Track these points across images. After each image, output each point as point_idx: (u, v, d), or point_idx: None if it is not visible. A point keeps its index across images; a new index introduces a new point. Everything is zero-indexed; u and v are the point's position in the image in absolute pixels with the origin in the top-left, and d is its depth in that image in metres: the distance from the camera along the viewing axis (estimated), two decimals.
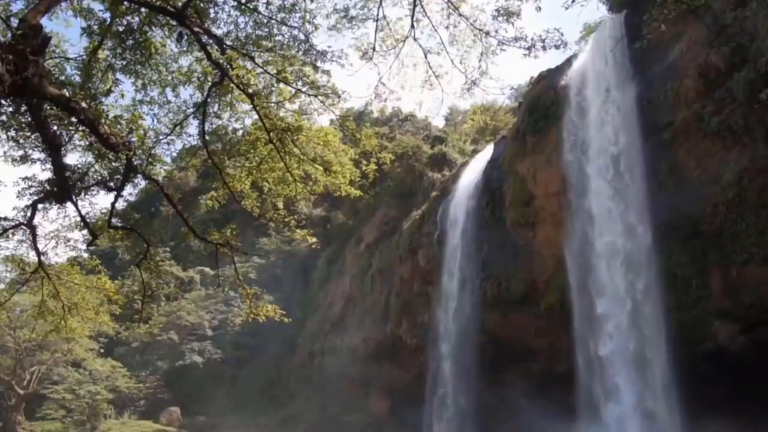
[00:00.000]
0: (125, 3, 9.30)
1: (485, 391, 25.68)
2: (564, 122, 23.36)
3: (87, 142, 10.06)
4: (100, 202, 13.85)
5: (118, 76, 10.38)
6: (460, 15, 10.02)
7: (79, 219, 11.59)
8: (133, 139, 9.83)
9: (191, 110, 11.07)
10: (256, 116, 10.66)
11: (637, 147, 20.35)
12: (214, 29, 10.20)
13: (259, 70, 10.21)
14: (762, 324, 16.75)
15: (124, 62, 10.18)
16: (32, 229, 11.51)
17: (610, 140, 21.58)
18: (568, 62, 24.86)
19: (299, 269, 52.32)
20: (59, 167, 9.85)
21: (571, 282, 22.00)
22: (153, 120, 11.10)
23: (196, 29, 9.61)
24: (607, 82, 22.16)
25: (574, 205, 22.48)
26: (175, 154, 12.60)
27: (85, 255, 18.10)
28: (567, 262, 22.29)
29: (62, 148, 9.72)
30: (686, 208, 18.16)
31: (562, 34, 9.65)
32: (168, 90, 10.91)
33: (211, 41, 9.94)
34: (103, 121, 9.04)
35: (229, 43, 10.13)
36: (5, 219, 11.40)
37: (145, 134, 10.26)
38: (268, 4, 10.18)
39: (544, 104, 24.42)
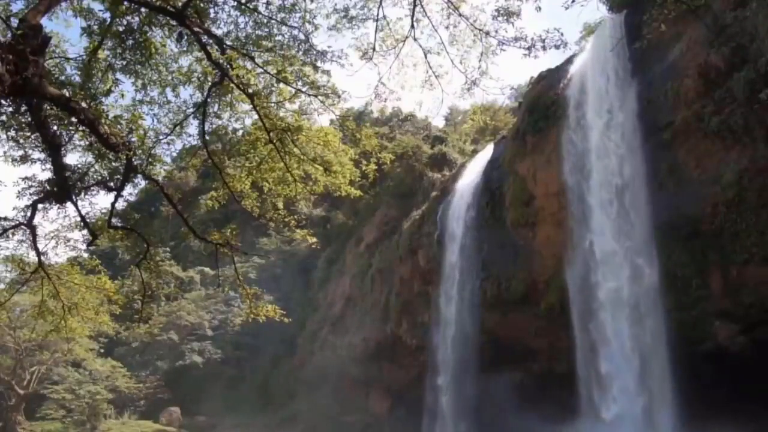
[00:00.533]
0: (125, 3, 9.30)
1: (484, 392, 25.66)
2: (562, 139, 22.72)
3: (87, 142, 10.05)
4: (100, 202, 13.88)
5: (118, 76, 10.39)
6: (460, 15, 10.01)
7: (79, 219, 11.60)
8: (133, 139, 9.82)
9: (191, 110, 11.07)
10: (256, 116, 10.66)
11: (641, 175, 19.41)
12: (214, 29, 10.20)
13: (259, 70, 10.20)
14: (762, 324, 16.74)
15: (124, 62, 10.18)
16: (32, 229, 11.50)
17: (613, 171, 20.57)
18: (568, 62, 24.84)
19: (299, 269, 52.34)
20: (59, 167, 9.85)
21: (574, 322, 21.28)
22: (153, 120, 11.11)
23: (196, 29, 9.60)
24: (609, 103, 21.25)
25: (576, 236, 21.51)
26: (175, 154, 12.60)
27: (85, 255, 18.09)
28: (570, 301, 21.51)
29: (62, 148, 9.71)
30: (686, 208, 18.14)
31: (562, 34, 9.64)
32: (168, 90, 10.92)
33: (211, 41, 9.93)
34: (103, 121, 9.03)
35: (229, 43, 10.13)
36: (5, 219, 11.41)
37: (145, 134, 10.26)
38: (268, 4, 10.18)
39: (544, 104, 24.40)
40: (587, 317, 20.71)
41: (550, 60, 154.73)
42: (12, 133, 9.74)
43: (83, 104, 8.77)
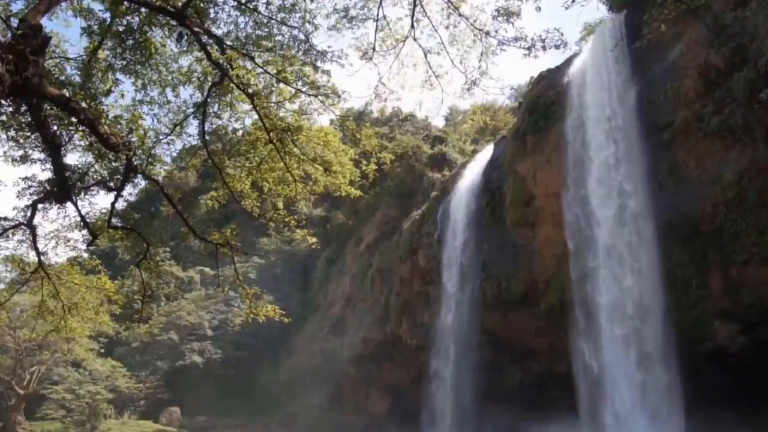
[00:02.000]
0: (125, 3, 9.30)
1: (484, 391, 25.65)
2: (564, 194, 22.32)
3: (87, 142, 10.05)
4: (100, 202, 13.90)
5: (118, 76, 10.40)
6: (460, 15, 10.01)
7: (79, 219, 11.60)
8: (133, 139, 9.82)
9: (191, 110, 11.07)
10: (256, 116, 10.66)
11: (650, 237, 18.50)
12: (214, 29, 10.20)
13: (259, 70, 10.21)
14: (762, 324, 16.74)
15: (124, 62, 10.18)
16: (32, 229, 11.51)
17: (625, 242, 19.52)
18: (568, 62, 24.83)
19: (299, 269, 52.37)
20: (59, 167, 9.85)
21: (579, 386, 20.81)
22: (153, 120, 11.12)
23: (196, 29, 9.61)
24: (609, 105, 20.50)
25: (579, 341, 20.66)
26: (175, 154, 12.61)
27: (85, 255, 18.10)
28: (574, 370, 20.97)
29: (62, 148, 9.71)
30: (686, 208, 18.14)
31: (562, 34, 9.65)
32: (168, 90, 10.93)
33: (211, 41, 9.94)
34: (103, 121, 9.03)
35: (229, 43, 10.13)
36: (5, 219, 11.42)
37: (145, 134, 10.26)
38: (268, 4, 10.18)
39: (544, 104, 24.39)
40: (594, 391, 19.98)
41: (550, 60, 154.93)
42: (12, 133, 9.74)
43: (83, 104, 8.76)
